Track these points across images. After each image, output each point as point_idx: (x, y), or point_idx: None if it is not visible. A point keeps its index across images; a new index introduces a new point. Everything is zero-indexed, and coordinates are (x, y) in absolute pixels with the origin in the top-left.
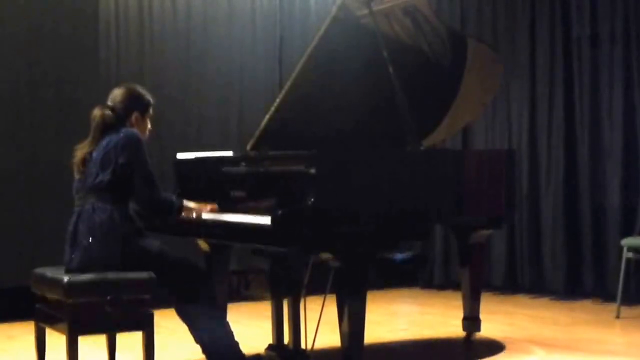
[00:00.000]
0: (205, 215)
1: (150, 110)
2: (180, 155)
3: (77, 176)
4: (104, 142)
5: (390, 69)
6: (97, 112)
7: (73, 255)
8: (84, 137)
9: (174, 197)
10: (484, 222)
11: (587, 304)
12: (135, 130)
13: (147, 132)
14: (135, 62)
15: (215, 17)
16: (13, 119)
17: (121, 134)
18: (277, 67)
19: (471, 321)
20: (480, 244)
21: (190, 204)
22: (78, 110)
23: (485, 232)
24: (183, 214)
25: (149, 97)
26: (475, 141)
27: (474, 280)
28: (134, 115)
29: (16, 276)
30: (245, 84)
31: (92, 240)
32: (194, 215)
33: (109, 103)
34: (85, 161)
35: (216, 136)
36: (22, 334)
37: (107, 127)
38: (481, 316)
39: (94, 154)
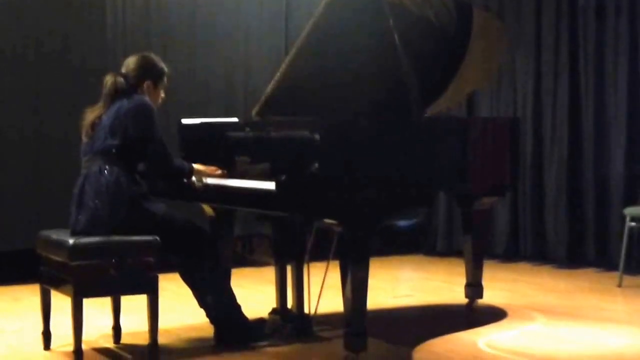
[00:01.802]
0: (210, 181)
1: (164, 80)
2: (185, 120)
3: (85, 139)
4: (114, 108)
5: (396, 37)
6: (109, 78)
7: (79, 217)
8: (91, 102)
9: (185, 162)
10: (487, 190)
11: (589, 272)
12: (146, 98)
13: (160, 101)
14: (141, 29)
15: None
16: (19, 83)
17: (132, 102)
18: (283, 34)
19: (474, 288)
20: (484, 212)
21: (200, 167)
22: (84, 75)
23: (488, 200)
24: (193, 177)
25: (162, 66)
26: (480, 110)
27: (476, 247)
28: (146, 84)
29: (22, 238)
30: (251, 51)
31: (98, 201)
32: (197, 180)
33: (122, 70)
34: (94, 125)
35: (222, 103)
36: (28, 296)
37: (119, 93)
38: (483, 283)
39: (104, 119)
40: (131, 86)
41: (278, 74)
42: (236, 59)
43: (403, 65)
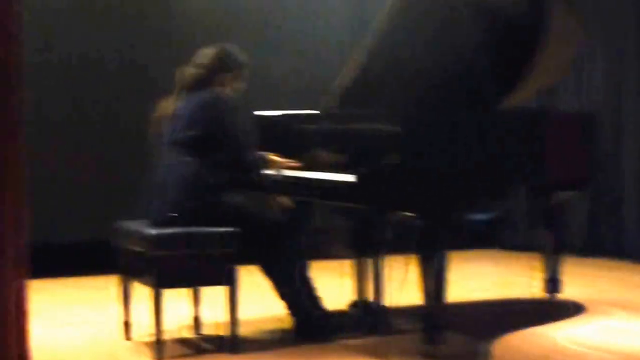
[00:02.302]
0: (289, 173)
1: (243, 71)
2: (260, 113)
3: (162, 130)
4: (193, 100)
5: (471, 28)
6: (187, 70)
7: (160, 209)
8: (164, 93)
9: (261, 155)
10: (565, 184)
11: None
12: (223, 90)
13: (238, 92)
14: (211, 22)
15: None
16: (92, 74)
17: (210, 94)
18: (358, 25)
19: (552, 282)
20: (562, 206)
21: (276, 158)
22: (156, 66)
23: (566, 194)
24: (270, 169)
25: (240, 57)
26: (558, 102)
27: (555, 241)
28: (224, 75)
29: (103, 229)
30: (327, 43)
31: (179, 194)
32: (275, 171)
33: (199, 61)
34: (174, 116)
35: (293, 95)
36: (108, 286)
37: (196, 85)
38: (562, 278)
39: (182, 110)
40: (208, 78)
41: (353, 65)
42: (307, 50)
43: (480, 57)
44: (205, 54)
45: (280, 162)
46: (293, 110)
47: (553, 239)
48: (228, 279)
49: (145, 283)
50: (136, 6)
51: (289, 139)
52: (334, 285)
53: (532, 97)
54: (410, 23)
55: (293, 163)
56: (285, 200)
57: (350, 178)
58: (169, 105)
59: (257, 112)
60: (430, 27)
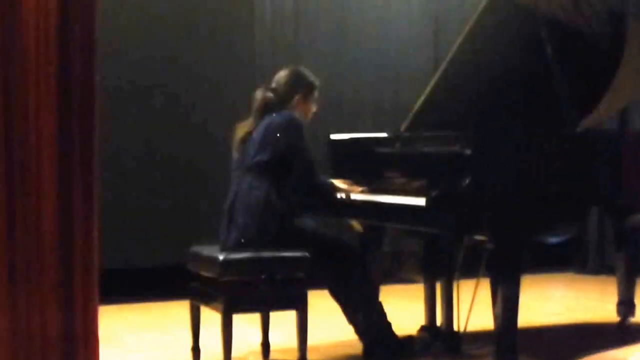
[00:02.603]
0: (358, 196)
1: (315, 93)
2: (334, 136)
3: (235, 154)
4: (264, 123)
5: (548, 49)
6: (259, 93)
7: (230, 234)
8: (242, 118)
9: (329, 181)
10: None
11: None
12: (295, 113)
13: (311, 115)
14: (290, 43)
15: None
16: (171, 99)
17: (281, 116)
18: (432, 48)
19: (626, 306)
20: (637, 228)
21: (341, 184)
22: (234, 91)
23: None
24: (338, 194)
25: (313, 79)
26: (635, 123)
27: (629, 264)
28: (296, 98)
29: (172, 254)
30: (401, 66)
31: (248, 218)
32: (344, 195)
33: (273, 85)
34: (244, 140)
35: (370, 118)
36: (178, 312)
37: (268, 108)
38: (636, 301)
39: (254, 134)
40: (281, 100)
41: (427, 88)
42: (385, 73)
43: (556, 77)
44: (279, 77)
45: (345, 189)
46: (368, 133)
47: (627, 261)
48: (298, 304)
49: (215, 308)
50: (219, 34)
51: (361, 162)
52: (405, 309)
53: (609, 118)
54: (485, 44)
55: (356, 188)
56: (355, 224)
57: (421, 201)
58: (244, 129)
59: (332, 135)
60: (505, 48)
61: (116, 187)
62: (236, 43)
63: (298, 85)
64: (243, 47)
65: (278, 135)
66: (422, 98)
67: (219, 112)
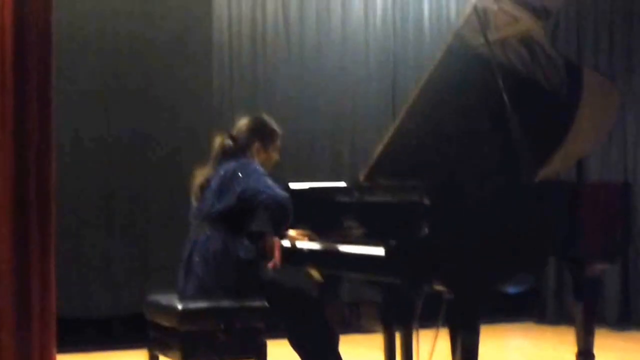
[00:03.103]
0: (311, 245)
1: (276, 142)
2: (293, 185)
3: (194, 203)
4: (221, 171)
5: (505, 99)
6: (217, 139)
7: (187, 285)
8: (200, 163)
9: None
10: (598, 256)
11: None
12: (254, 159)
13: (271, 164)
14: (248, 90)
15: (329, 47)
16: (127, 144)
17: (237, 163)
18: (390, 97)
19: (585, 357)
20: (595, 278)
21: (290, 232)
22: (192, 137)
23: (599, 266)
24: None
25: (274, 127)
26: (590, 173)
27: (588, 314)
28: (255, 145)
29: (130, 303)
30: (358, 114)
31: (205, 270)
32: (289, 244)
33: (234, 132)
34: (202, 188)
35: (328, 166)
36: None
37: (226, 155)
38: (595, 352)
39: (212, 182)
40: (240, 148)
41: (385, 137)
42: (343, 121)
43: (513, 127)
44: (240, 124)
45: (293, 237)
46: (325, 182)
47: (586, 311)
48: (257, 353)
49: (174, 357)
50: (177, 79)
51: (319, 211)
52: (364, 358)
53: (567, 169)
54: (443, 93)
55: (304, 236)
56: (314, 273)
57: (380, 251)
58: (201, 176)
59: (292, 185)
60: (463, 97)
61: (74, 236)
62: (194, 88)
63: (258, 132)
64: (201, 92)
65: (233, 180)
66: (380, 147)
67: (178, 157)
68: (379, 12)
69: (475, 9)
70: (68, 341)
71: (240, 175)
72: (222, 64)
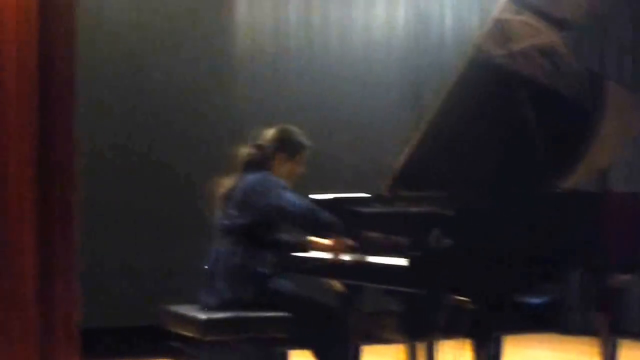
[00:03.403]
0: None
1: (302, 153)
2: (314, 196)
3: (218, 213)
4: (244, 183)
5: (527, 110)
6: (242, 149)
7: (209, 296)
8: (223, 173)
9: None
10: (622, 266)
11: None
12: (271, 172)
13: (295, 176)
14: (269, 104)
15: (351, 57)
16: (147, 153)
17: (257, 176)
18: (412, 107)
19: None
20: (618, 289)
21: (316, 240)
22: (213, 146)
23: (623, 277)
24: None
25: (300, 139)
26: (615, 183)
27: (611, 326)
28: (280, 156)
29: (152, 313)
30: (380, 125)
31: (226, 284)
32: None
33: (258, 142)
34: (226, 198)
35: (350, 177)
36: None
37: (251, 165)
38: None
39: (233, 193)
40: (264, 158)
41: (408, 148)
42: (365, 133)
43: (535, 137)
44: (265, 134)
45: (321, 244)
46: (347, 193)
47: (608, 322)
48: None
49: None
50: (198, 90)
51: (342, 222)
52: None
53: (590, 179)
54: (465, 104)
55: (334, 244)
56: (336, 284)
57: (402, 262)
58: (225, 186)
59: (312, 196)
60: (485, 107)
61: (96, 245)
62: (215, 99)
63: (283, 143)
64: (222, 104)
65: (253, 195)
66: (402, 158)
67: (197, 169)
68: (401, 22)
69: (496, 20)
70: (90, 351)
71: (261, 190)
72: (244, 73)
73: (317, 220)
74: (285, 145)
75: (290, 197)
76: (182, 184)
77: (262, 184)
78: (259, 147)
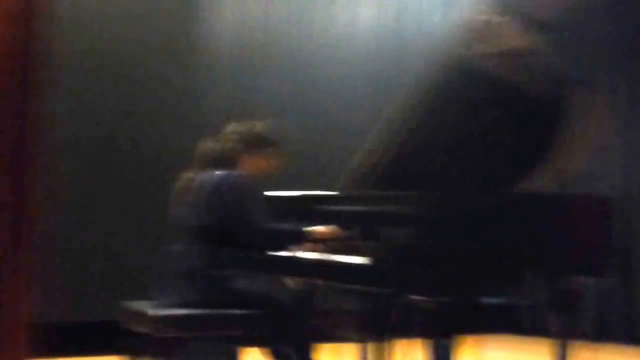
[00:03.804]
0: (301, 254)
1: (267, 148)
2: (272, 193)
3: (175, 208)
4: (208, 181)
5: (498, 111)
6: (207, 144)
7: (164, 295)
8: (185, 168)
9: (293, 229)
10: (578, 269)
11: None
12: (242, 172)
13: (262, 170)
14: (237, 95)
15: (317, 53)
16: (110, 145)
17: (229, 178)
18: (381, 106)
19: None
20: (575, 291)
21: (319, 229)
22: (177, 141)
23: (580, 280)
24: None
25: (263, 133)
26: (576, 185)
27: (566, 327)
28: (246, 152)
29: (105, 309)
30: (348, 122)
31: (183, 284)
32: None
33: (222, 137)
34: (187, 195)
35: (317, 175)
36: None
37: (215, 162)
38: None
39: (197, 191)
40: (229, 155)
41: (373, 145)
42: (332, 130)
43: (504, 140)
44: (230, 129)
45: (323, 233)
46: (310, 190)
47: (562, 324)
48: None
49: None
50: (156, 71)
51: (302, 220)
52: None
53: (551, 181)
54: (434, 105)
55: (333, 232)
56: (292, 282)
57: (364, 260)
58: (186, 182)
59: (271, 193)
60: (455, 110)
61: (49, 240)
62: (181, 93)
63: (249, 139)
64: (188, 99)
65: (221, 201)
66: (367, 156)
67: (160, 162)
68: (371, 18)
69: (471, 21)
70: (41, 347)
71: (229, 198)
72: (212, 68)
73: (274, 243)
74: (251, 140)
75: (258, 217)
76: (142, 178)
77: (232, 188)
78: (224, 143)
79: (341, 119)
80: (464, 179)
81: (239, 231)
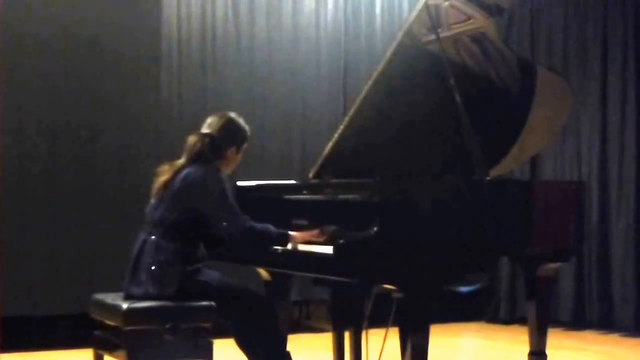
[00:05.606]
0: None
1: (245, 144)
2: (241, 183)
3: (153, 199)
4: (185, 175)
5: (457, 97)
6: (193, 138)
7: (131, 286)
8: (145, 161)
9: (270, 228)
10: (551, 255)
11: None
12: (217, 170)
13: (237, 164)
14: (196, 88)
15: (279, 44)
16: (74, 142)
17: (201, 173)
18: (341, 94)
19: (537, 356)
20: (548, 277)
21: (298, 234)
22: (139, 133)
23: (553, 266)
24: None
25: (246, 128)
26: (544, 171)
27: (540, 314)
28: (230, 149)
29: (75, 302)
30: (309, 112)
31: (150, 277)
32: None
33: (207, 131)
34: (164, 188)
35: (278, 165)
36: None
37: (198, 157)
38: (548, 352)
39: (175, 183)
40: (214, 150)
41: (336, 134)
42: (293, 119)
43: (464, 126)
44: (212, 124)
45: (302, 236)
46: (274, 180)
47: (538, 310)
48: (203, 353)
49: (119, 357)
50: (125, 76)
51: (268, 209)
52: (313, 358)
53: (519, 166)
54: (394, 90)
55: (315, 235)
56: (262, 272)
57: (328, 250)
58: (163, 175)
59: (239, 182)
60: (414, 94)
61: (18, 232)
62: (142, 86)
63: (233, 136)
64: (149, 90)
65: (193, 196)
66: (331, 145)
67: (124, 156)
68: (330, 9)
69: (426, 5)
70: (10, 340)
71: (198, 191)
72: (171, 61)
73: (248, 237)
74: (235, 137)
75: (233, 211)
76: (111, 171)
77: (202, 183)
78: (209, 138)
79: (305, 110)
80: (431, 165)
81: (217, 227)
